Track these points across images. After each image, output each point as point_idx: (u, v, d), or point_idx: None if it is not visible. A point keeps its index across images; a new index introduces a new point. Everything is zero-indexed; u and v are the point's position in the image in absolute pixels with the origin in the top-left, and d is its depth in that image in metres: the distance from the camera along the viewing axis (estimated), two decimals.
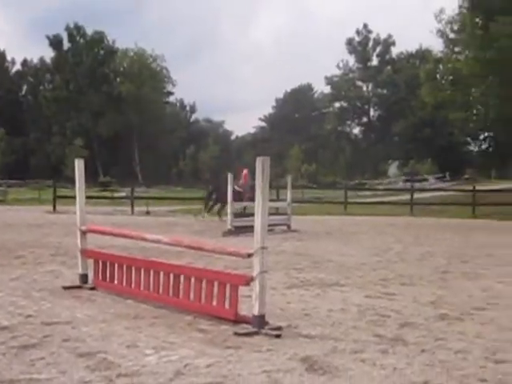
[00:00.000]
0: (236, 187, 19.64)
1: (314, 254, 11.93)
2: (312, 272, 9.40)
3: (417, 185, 48.09)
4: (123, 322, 5.73)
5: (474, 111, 44.45)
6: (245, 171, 22.21)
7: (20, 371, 4.23)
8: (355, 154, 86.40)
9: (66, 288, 7.38)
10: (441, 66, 41.00)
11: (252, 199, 19.26)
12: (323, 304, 6.88)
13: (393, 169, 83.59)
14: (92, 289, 7.31)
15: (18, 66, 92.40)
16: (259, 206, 5.34)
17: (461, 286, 8.51)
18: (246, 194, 19.76)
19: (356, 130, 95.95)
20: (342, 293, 7.66)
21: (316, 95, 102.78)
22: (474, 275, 9.59)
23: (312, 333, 5.51)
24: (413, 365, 4.61)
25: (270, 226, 16.04)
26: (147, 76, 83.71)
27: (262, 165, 5.33)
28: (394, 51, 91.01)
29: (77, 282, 7.52)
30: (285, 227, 17.93)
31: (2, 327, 5.49)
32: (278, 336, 5.28)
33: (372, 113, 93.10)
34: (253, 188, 21.34)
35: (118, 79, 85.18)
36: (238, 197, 18.93)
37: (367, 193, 46.17)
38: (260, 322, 5.40)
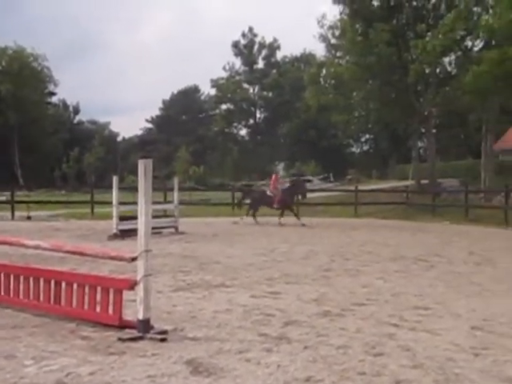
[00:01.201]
0: (268, 192, 22.96)
1: (201, 255, 11.94)
2: (198, 274, 9.40)
3: None
4: (1, 333, 5.48)
5: (356, 114, 46.09)
6: (273, 176, 24.35)
7: None
8: (242, 156, 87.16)
9: None
10: (324, 70, 42.10)
11: (281, 201, 21.31)
12: (209, 306, 6.90)
13: (279, 170, 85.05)
14: None
15: None
16: (142, 208, 5.28)
17: (343, 283, 8.81)
18: (276, 198, 22.22)
19: (243, 132, 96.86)
20: (228, 294, 7.71)
21: (203, 97, 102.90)
22: (356, 272, 9.96)
23: (198, 335, 5.52)
24: (296, 362, 4.72)
25: (157, 228, 16.08)
26: (28, 75, 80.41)
27: (144, 167, 5.27)
28: (279, 55, 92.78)
29: None
30: (172, 230, 17.82)
31: None
32: (163, 340, 5.24)
33: (258, 115, 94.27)
34: (284, 191, 23.55)
35: None
36: (270, 200, 22.29)
37: None
38: (145, 326, 5.34)
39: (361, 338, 5.52)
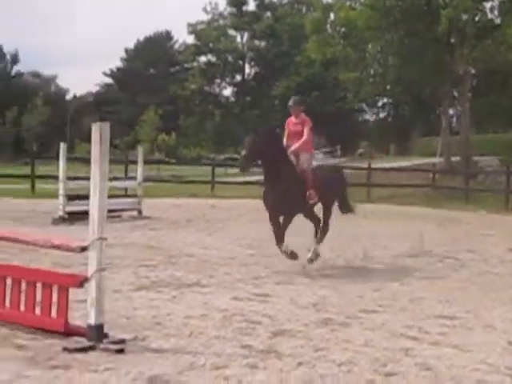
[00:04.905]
0: None
1: (171, 246, 11.94)
2: (167, 269, 9.41)
3: None
4: None
5: (371, 72, 45.90)
6: (292, 118, 14.23)
7: None
8: (226, 122, 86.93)
9: None
10: (331, 15, 41.87)
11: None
12: (180, 309, 6.92)
13: None
14: None
15: None
16: (96, 185, 5.26)
17: (349, 284, 8.84)
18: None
19: (227, 92, 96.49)
20: (204, 295, 7.72)
21: (177, 46, 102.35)
22: (366, 273, 9.99)
23: (164, 346, 5.54)
24: (288, 381, 4.74)
25: (115, 211, 16.09)
26: None
27: (99, 132, 5.25)
28: None
29: None
30: (135, 213, 17.81)
31: None
32: (119, 351, 5.25)
33: (247, 70, 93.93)
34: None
35: None
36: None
37: None
38: (97, 333, 5.34)
39: (369, 352, 5.55)
